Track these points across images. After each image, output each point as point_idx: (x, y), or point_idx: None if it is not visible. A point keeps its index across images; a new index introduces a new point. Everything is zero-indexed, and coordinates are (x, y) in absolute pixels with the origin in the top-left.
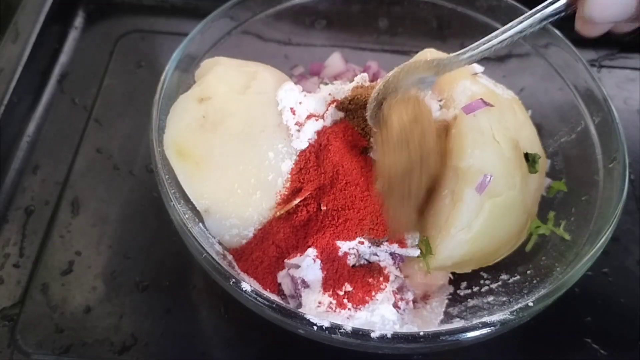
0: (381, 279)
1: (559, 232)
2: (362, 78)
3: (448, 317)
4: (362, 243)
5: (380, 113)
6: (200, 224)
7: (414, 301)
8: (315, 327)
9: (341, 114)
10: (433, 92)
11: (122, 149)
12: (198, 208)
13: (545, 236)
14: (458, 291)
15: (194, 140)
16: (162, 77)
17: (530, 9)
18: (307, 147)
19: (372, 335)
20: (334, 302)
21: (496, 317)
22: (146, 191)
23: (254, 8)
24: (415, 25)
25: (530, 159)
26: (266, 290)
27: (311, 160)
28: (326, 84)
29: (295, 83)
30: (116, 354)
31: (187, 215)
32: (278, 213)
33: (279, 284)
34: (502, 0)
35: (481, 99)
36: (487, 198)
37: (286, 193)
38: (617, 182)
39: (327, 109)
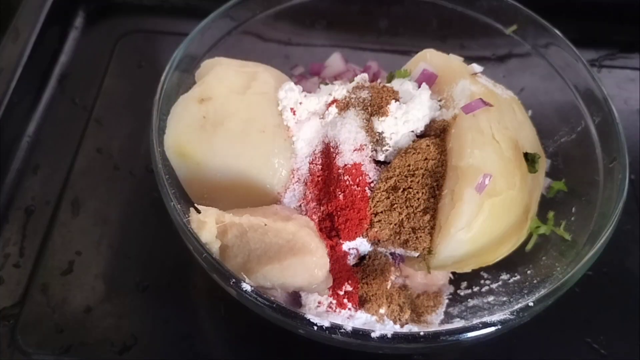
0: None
1: (559, 232)
2: (362, 78)
3: (448, 317)
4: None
5: None
6: None
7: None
8: (315, 327)
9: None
10: (433, 92)
11: (122, 149)
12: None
13: (545, 236)
14: (458, 291)
15: (194, 140)
16: (162, 77)
17: (530, 8)
18: (307, 147)
19: (372, 335)
20: (334, 302)
21: (496, 317)
22: (146, 191)
23: (254, 8)
24: (415, 25)
25: (529, 159)
26: None
27: (311, 160)
28: (326, 84)
29: (296, 83)
30: (116, 354)
31: (187, 215)
32: None
33: None
34: (503, 0)
35: (480, 98)
36: (487, 197)
37: None
38: (617, 182)
39: (327, 109)
